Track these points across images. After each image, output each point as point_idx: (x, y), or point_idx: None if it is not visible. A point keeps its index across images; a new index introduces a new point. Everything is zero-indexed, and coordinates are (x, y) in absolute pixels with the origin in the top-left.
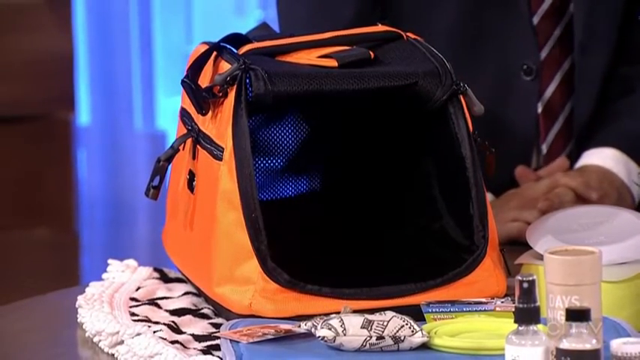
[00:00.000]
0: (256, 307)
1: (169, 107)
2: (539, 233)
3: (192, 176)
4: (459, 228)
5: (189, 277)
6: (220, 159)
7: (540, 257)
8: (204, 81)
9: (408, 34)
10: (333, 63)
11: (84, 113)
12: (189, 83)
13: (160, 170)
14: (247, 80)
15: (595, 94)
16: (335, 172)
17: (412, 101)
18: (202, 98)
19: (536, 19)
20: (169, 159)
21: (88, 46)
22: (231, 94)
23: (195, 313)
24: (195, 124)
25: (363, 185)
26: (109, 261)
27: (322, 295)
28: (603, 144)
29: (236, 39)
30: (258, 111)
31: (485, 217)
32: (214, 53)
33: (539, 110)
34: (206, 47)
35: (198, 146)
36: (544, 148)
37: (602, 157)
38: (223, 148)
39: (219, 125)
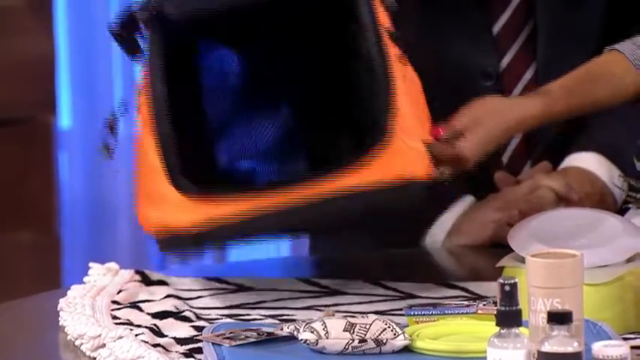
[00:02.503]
0: (171, 222)
1: None
2: (521, 236)
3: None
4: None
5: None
6: None
7: (522, 260)
8: None
9: None
10: None
11: (65, 117)
12: (115, 31)
13: (110, 124)
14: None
15: None
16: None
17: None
18: (128, 39)
19: (496, 29)
20: (120, 111)
21: (70, 50)
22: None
23: (177, 316)
24: None
25: (292, 79)
26: (91, 264)
27: (231, 197)
28: (585, 148)
29: None
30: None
31: (391, 104)
32: None
33: None
34: None
35: None
36: (504, 159)
37: (584, 160)
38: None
39: None
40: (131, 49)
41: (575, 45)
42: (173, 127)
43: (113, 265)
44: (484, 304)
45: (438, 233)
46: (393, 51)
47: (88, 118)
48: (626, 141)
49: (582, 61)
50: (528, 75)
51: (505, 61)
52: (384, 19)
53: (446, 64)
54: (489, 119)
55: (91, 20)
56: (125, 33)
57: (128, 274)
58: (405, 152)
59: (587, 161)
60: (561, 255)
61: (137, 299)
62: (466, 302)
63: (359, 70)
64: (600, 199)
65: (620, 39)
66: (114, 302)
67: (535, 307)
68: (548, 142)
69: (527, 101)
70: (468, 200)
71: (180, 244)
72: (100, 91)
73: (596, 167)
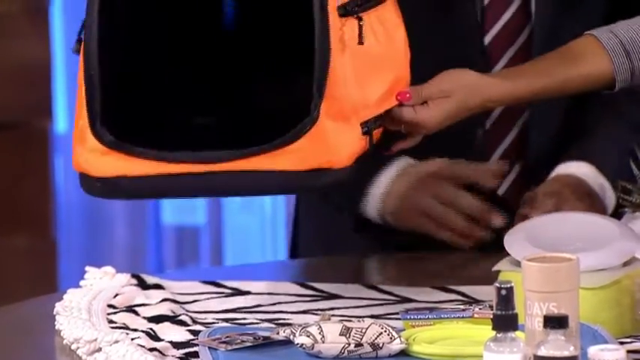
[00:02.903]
0: (85, 165)
1: None
2: (516, 240)
3: None
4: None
5: None
6: None
7: (518, 264)
8: None
9: None
10: None
11: (61, 121)
12: None
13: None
14: None
15: (553, 121)
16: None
17: None
18: None
19: (488, 39)
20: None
21: (66, 54)
22: None
23: (174, 320)
24: None
25: (237, 45)
26: (87, 268)
27: (147, 158)
28: (574, 158)
29: None
30: None
31: (323, 85)
32: None
33: (487, 126)
34: None
35: None
36: (496, 155)
37: (574, 168)
38: None
39: None
40: None
41: None
42: (103, 67)
43: (109, 268)
44: (480, 308)
45: (372, 199)
46: (340, 26)
47: None
48: (613, 152)
49: None
50: None
51: (497, 68)
52: None
53: (430, 67)
54: (457, 94)
55: None
56: None
57: (124, 277)
58: (329, 140)
59: (577, 169)
60: (557, 259)
61: (133, 303)
62: (462, 306)
63: (296, 44)
64: (591, 205)
65: None
66: (110, 306)
67: (531, 311)
68: (538, 151)
69: (496, 81)
70: (402, 162)
71: (92, 188)
72: None
73: (585, 175)
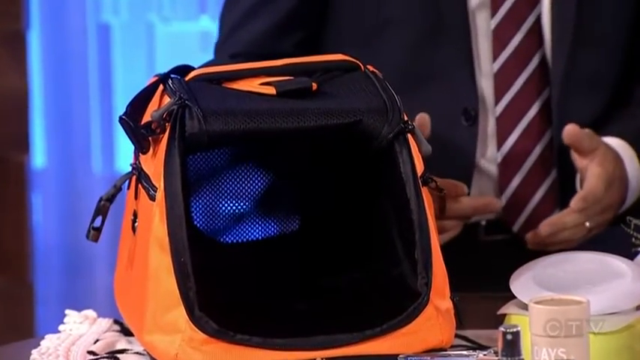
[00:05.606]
0: (183, 358)
1: (130, 149)
2: (523, 281)
3: (135, 217)
4: (415, 274)
5: (128, 324)
6: (154, 199)
7: (525, 307)
8: (149, 116)
9: (368, 66)
10: (272, 91)
11: (39, 155)
12: (127, 120)
13: (101, 210)
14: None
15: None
16: (298, 215)
17: (357, 139)
18: (141, 136)
19: (496, 66)
20: (111, 198)
21: (44, 86)
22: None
23: None
24: (139, 161)
25: (324, 227)
26: (67, 311)
27: (252, 346)
28: (611, 134)
29: (186, 71)
30: (215, 147)
31: (429, 262)
32: (161, 86)
33: (499, 159)
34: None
35: (139, 185)
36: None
37: (611, 142)
38: (157, 188)
39: (157, 164)
40: (139, 141)
41: (590, 89)
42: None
43: (90, 312)
44: (485, 354)
45: None
46: (428, 201)
47: (63, 156)
48: None
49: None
50: (532, 112)
51: (506, 99)
52: (419, 164)
53: (429, 98)
54: None
55: (66, 56)
56: (133, 122)
57: (106, 322)
58: (436, 320)
59: (614, 143)
60: (566, 301)
61: (115, 349)
62: (466, 352)
63: (391, 225)
64: (620, 183)
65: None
66: (90, 352)
67: (539, 357)
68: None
69: None
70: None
71: None
72: (75, 128)
73: (621, 150)
